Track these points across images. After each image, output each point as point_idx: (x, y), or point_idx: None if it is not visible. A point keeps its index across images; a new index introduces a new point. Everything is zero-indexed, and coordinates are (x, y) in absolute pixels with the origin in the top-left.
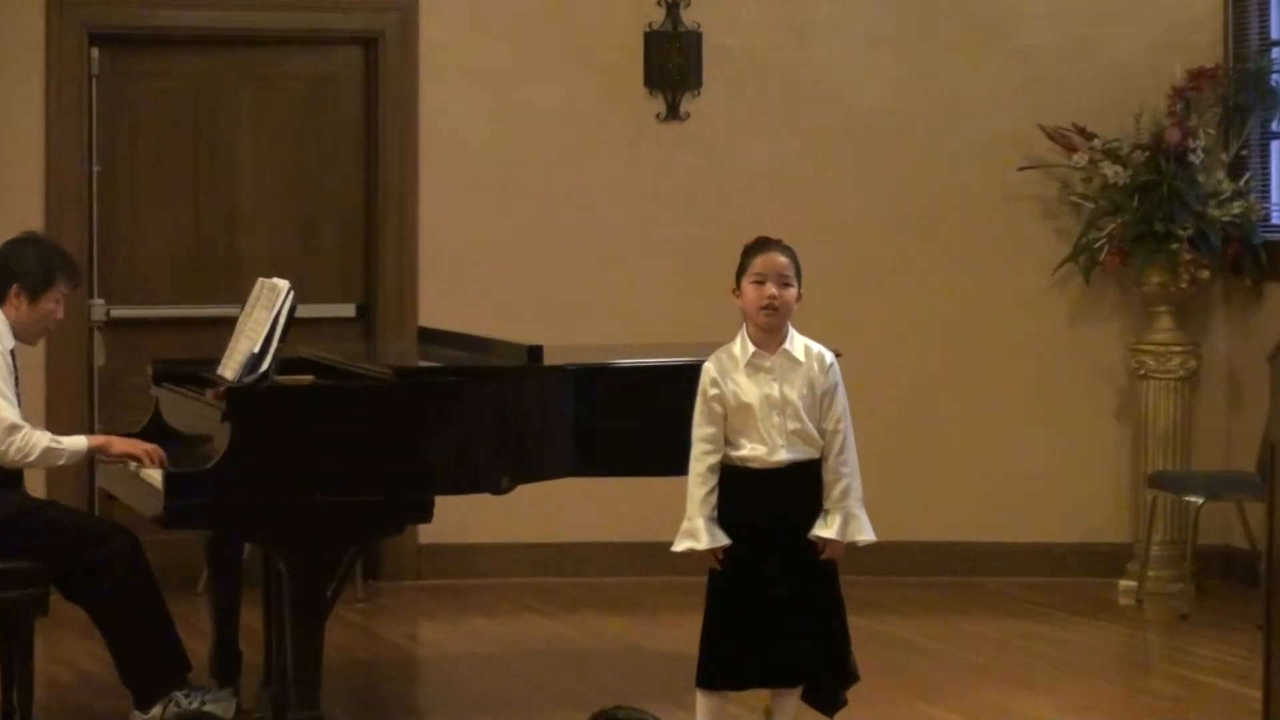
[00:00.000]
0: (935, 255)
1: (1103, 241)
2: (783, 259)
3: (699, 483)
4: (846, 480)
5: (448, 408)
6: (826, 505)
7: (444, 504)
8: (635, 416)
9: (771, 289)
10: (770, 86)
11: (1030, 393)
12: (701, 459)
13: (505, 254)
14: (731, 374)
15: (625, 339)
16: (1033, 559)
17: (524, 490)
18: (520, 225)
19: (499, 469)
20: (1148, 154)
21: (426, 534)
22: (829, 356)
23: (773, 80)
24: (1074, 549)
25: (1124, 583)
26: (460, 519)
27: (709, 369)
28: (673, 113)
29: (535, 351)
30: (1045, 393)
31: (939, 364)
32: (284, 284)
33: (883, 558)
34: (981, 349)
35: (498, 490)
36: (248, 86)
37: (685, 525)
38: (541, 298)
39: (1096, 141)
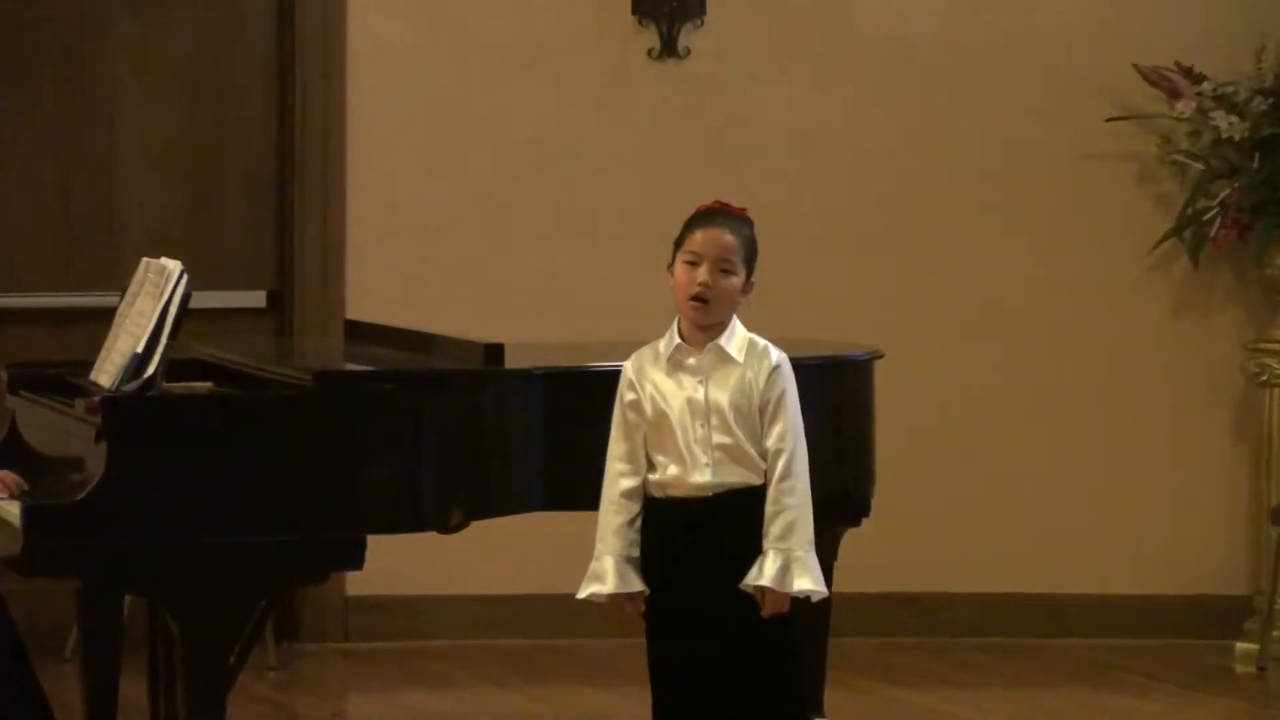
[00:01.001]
0: (999, 231)
1: (1214, 212)
2: (729, 238)
3: (611, 511)
4: (790, 514)
5: (383, 423)
6: (765, 545)
7: (378, 545)
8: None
9: (704, 274)
10: (791, 16)
11: (1121, 405)
12: (615, 482)
13: (455, 228)
14: (650, 373)
15: (609, 335)
16: (1126, 616)
17: (479, 528)
18: (475, 191)
19: (448, 501)
20: (1271, 101)
21: (356, 584)
22: (775, 356)
23: (795, 8)
24: (1178, 603)
25: (1242, 645)
26: (399, 565)
27: (626, 369)
28: (668, 49)
29: (494, 351)
30: (1140, 405)
31: (1004, 369)
32: (174, 266)
33: (933, 614)
34: (1058, 350)
35: (446, 528)
36: (130, 16)
37: (592, 565)
38: (502, 283)
39: (1206, 85)
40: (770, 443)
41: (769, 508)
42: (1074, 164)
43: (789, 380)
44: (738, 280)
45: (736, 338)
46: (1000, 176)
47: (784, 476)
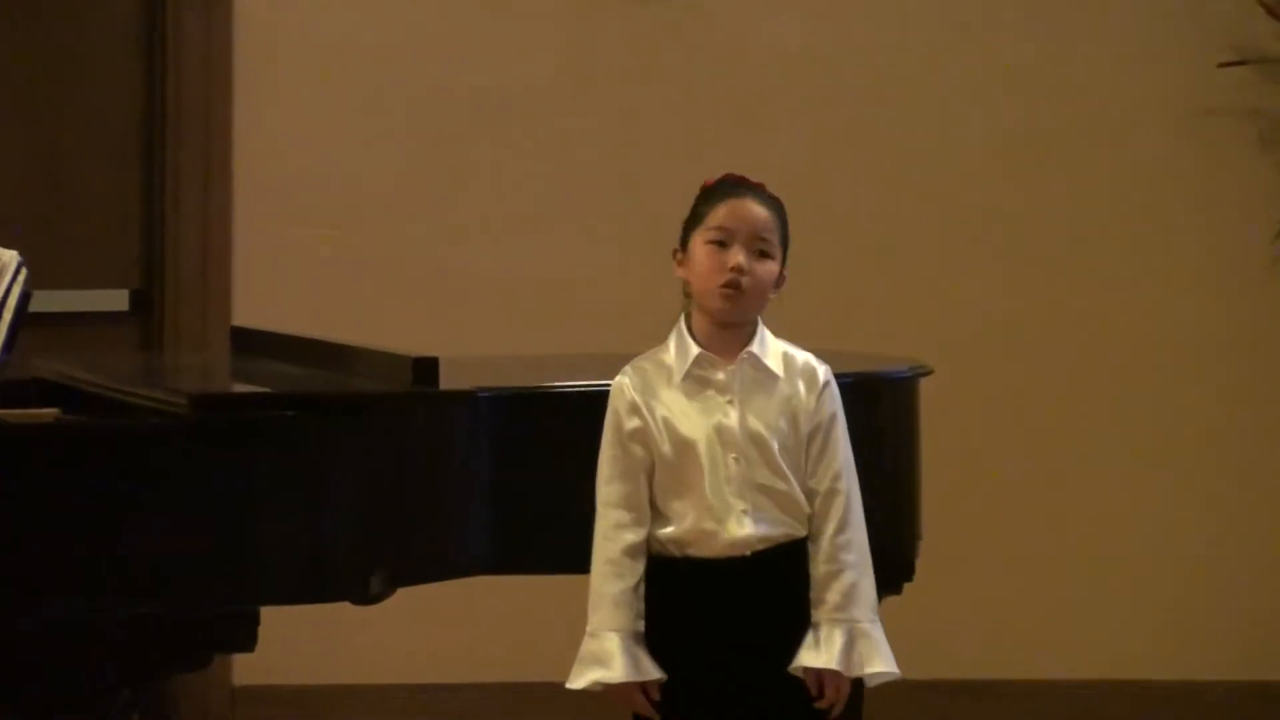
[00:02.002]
0: (1079, 209)
1: None
2: (762, 211)
3: (610, 575)
4: (851, 574)
5: (280, 462)
6: (818, 616)
7: (275, 621)
8: (588, 474)
9: (739, 256)
10: None
11: (1240, 441)
12: (614, 536)
13: (377, 209)
14: (660, 392)
15: (579, 344)
16: (1247, 706)
17: (407, 598)
18: (402, 162)
19: (366, 563)
20: None
21: (247, 670)
22: (824, 371)
23: None
24: None
25: None
26: (302, 646)
27: (623, 386)
28: None
29: (427, 367)
30: (1265, 438)
31: (1083, 389)
32: (10, 257)
33: (995, 708)
34: (1155, 365)
35: (364, 598)
36: None
37: (588, 644)
38: (438, 279)
39: None
40: (821, 481)
41: (822, 566)
42: (1178, 123)
43: (839, 401)
44: (774, 265)
45: (770, 345)
46: (1080, 138)
47: (841, 527)
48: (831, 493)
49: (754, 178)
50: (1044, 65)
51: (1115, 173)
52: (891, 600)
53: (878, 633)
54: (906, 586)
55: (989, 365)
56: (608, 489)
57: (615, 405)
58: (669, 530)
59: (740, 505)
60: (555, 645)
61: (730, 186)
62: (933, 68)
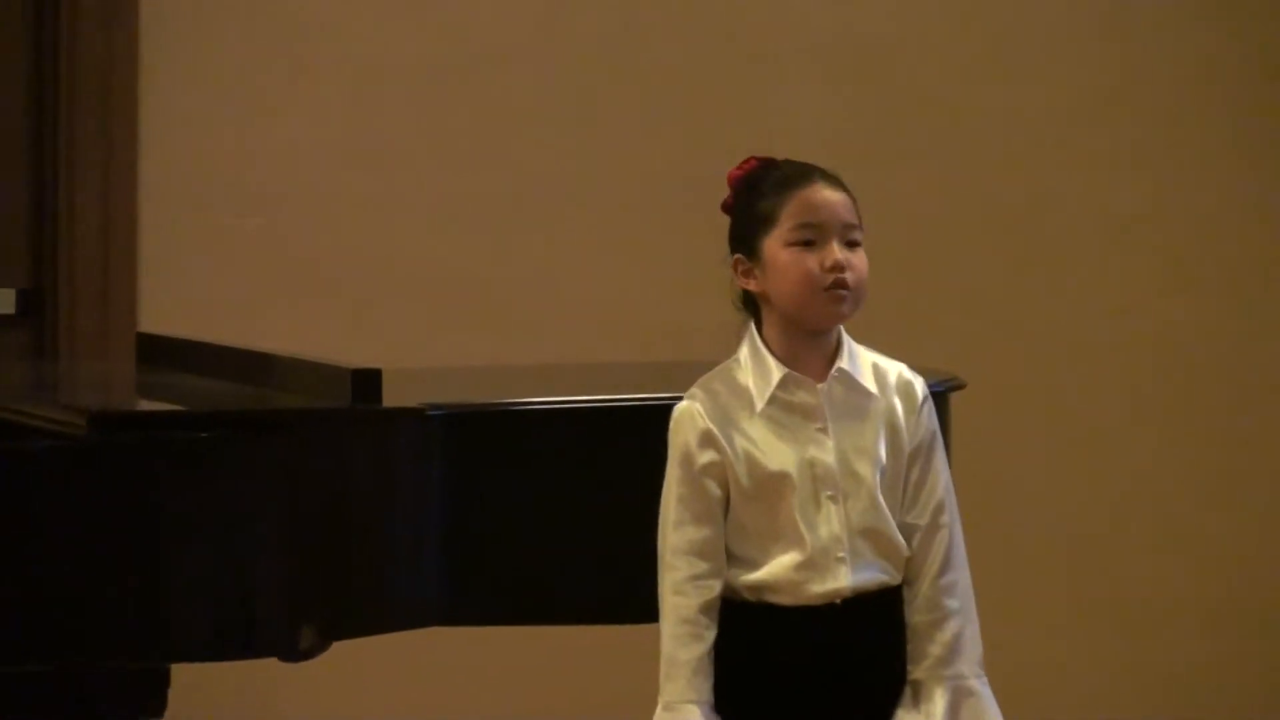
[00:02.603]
0: (1130, 197)
1: None
2: (839, 194)
3: (688, 637)
4: (956, 623)
5: (196, 492)
6: (917, 672)
7: (190, 679)
8: (563, 507)
9: (836, 252)
10: None
11: None
12: (686, 591)
13: (308, 196)
14: (738, 420)
15: (542, 353)
16: None
17: (345, 653)
18: (333, 142)
19: (296, 612)
20: None
21: None
22: (920, 385)
23: None
24: None
25: None
26: (224, 709)
27: (692, 413)
28: None
29: (367, 380)
30: None
31: (1138, 404)
32: None
33: None
34: (1217, 384)
35: (293, 653)
36: None
37: (661, 716)
38: (376, 277)
39: None
40: (922, 515)
41: (922, 614)
42: (1245, 89)
43: (937, 421)
44: (865, 256)
45: (860, 357)
46: (1130, 110)
47: (945, 567)
48: (934, 528)
49: (752, 155)
50: (1091, 22)
51: (1172, 152)
52: None
53: (985, 690)
54: None
55: (1021, 377)
56: (678, 535)
57: (685, 436)
58: (748, 576)
59: (837, 551)
60: (534, 695)
61: (795, 173)
62: (964, 28)
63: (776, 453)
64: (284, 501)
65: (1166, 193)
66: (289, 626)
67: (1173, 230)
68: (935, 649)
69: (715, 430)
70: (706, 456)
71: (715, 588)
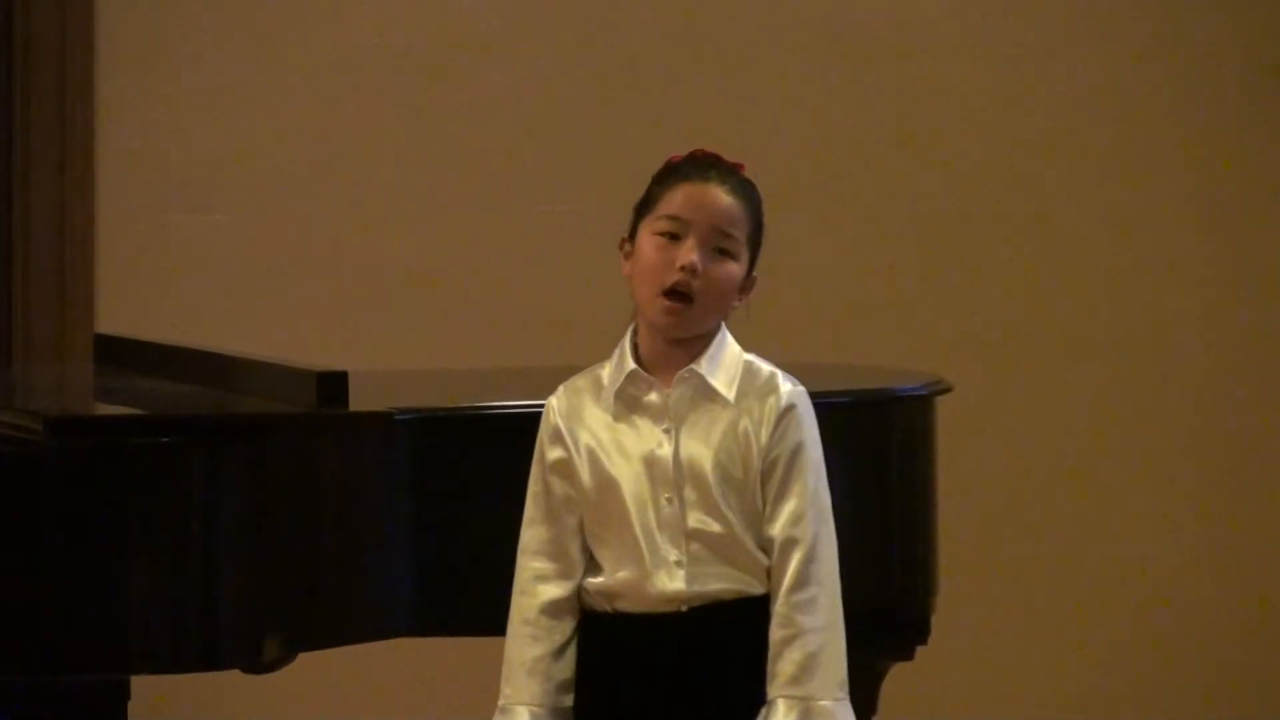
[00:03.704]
0: (1129, 196)
1: None
2: (729, 200)
3: (525, 637)
4: (811, 641)
5: (156, 498)
6: (770, 691)
7: (151, 690)
8: None
9: (690, 254)
10: None
11: None
12: (531, 590)
13: (269, 192)
14: (586, 417)
15: (514, 356)
16: None
17: (311, 664)
18: (301, 135)
19: (259, 623)
20: None
21: None
22: (787, 390)
23: None
24: None
25: None
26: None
27: (549, 408)
28: None
29: (334, 383)
30: None
31: (1137, 410)
32: None
33: None
34: (1225, 386)
35: (256, 665)
36: None
37: (495, 719)
38: (344, 276)
39: None
40: (778, 528)
41: (776, 631)
42: (1245, 87)
43: (809, 428)
44: (737, 268)
45: (725, 361)
46: (1127, 107)
47: (800, 583)
48: (789, 542)
49: (731, 156)
50: (1079, 64)
51: (1174, 146)
52: (902, 666)
53: (843, 712)
54: (920, 650)
55: (1010, 382)
56: (528, 533)
57: (540, 431)
58: (597, 580)
59: (673, 555)
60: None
61: (693, 167)
62: (948, 54)
63: (618, 452)
64: (247, 509)
65: (1164, 191)
66: (253, 638)
67: (1171, 229)
68: (786, 667)
69: (563, 427)
70: (555, 453)
71: (564, 588)
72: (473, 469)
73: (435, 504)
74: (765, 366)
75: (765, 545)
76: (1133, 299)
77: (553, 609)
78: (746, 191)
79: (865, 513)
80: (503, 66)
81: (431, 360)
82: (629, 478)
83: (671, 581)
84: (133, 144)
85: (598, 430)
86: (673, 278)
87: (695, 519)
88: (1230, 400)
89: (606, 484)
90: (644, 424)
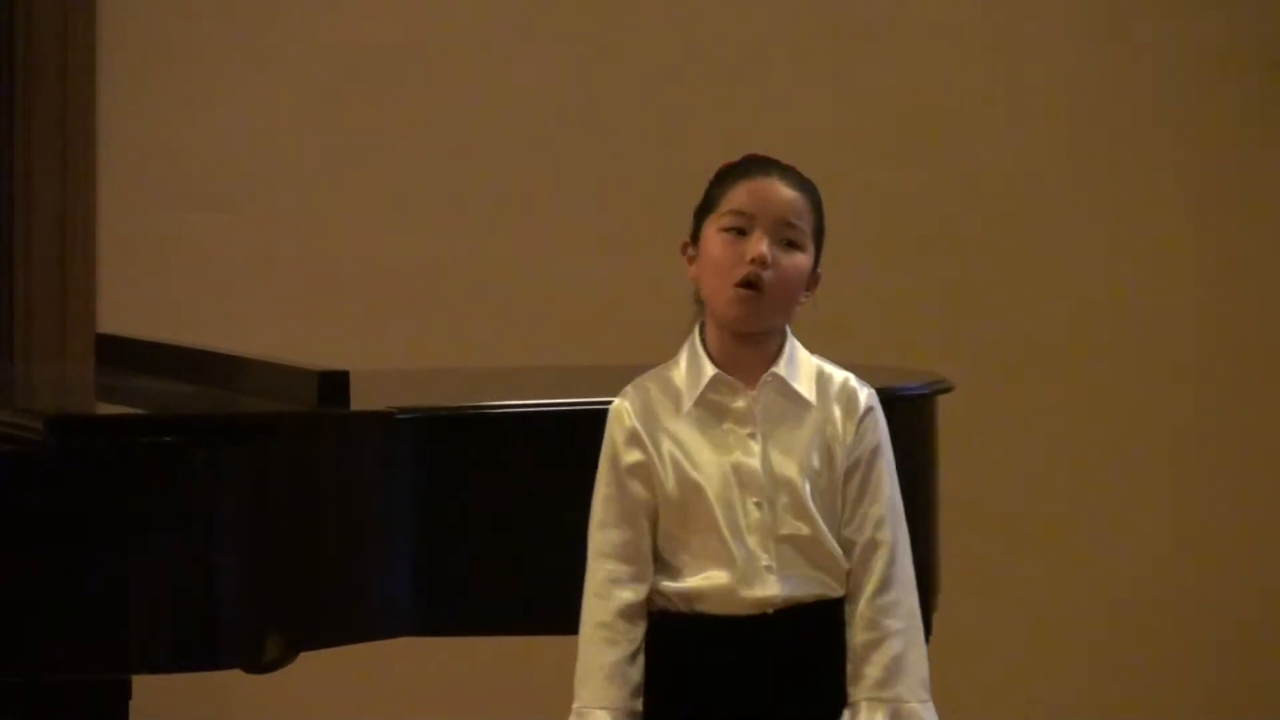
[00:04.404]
0: (1133, 193)
1: None
2: (790, 192)
3: (602, 642)
4: (896, 644)
5: (157, 498)
6: (855, 694)
7: (150, 690)
8: (536, 512)
9: (760, 246)
10: None
11: None
12: (608, 594)
13: (269, 191)
14: (665, 422)
15: (516, 356)
16: None
17: (313, 664)
18: (301, 134)
19: (260, 621)
20: None
21: None
22: (865, 394)
23: None
24: None
25: None
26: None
27: (622, 411)
28: None
29: (334, 382)
30: None
31: (1124, 411)
32: None
33: None
34: (1230, 388)
35: (257, 664)
36: None
37: None
38: (345, 275)
39: None
40: (861, 531)
41: (861, 633)
42: (1242, 84)
43: (885, 431)
44: (805, 259)
45: (801, 364)
46: (1124, 104)
47: (884, 586)
48: (872, 544)
49: (730, 155)
50: (1076, 62)
51: (1177, 144)
52: None
53: (929, 715)
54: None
55: (1010, 381)
56: (601, 536)
57: (612, 434)
58: (676, 585)
59: (763, 560)
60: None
61: (753, 164)
62: (946, 53)
63: (702, 457)
64: (249, 508)
65: (1163, 191)
66: (254, 637)
67: (1170, 228)
68: (874, 670)
69: (641, 430)
70: (632, 456)
71: (638, 592)
72: (474, 469)
73: (436, 503)
74: (837, 370)
75: (844, 547)
76: (1132, 299)
77: (629, 612)
78: (808, 186)
79: None
80: (503, 66)
81: (433, 359)
82: (715, 482)
83: (765, 587)
84: (134, 143)
85: (679, 434)
86: (743, 270)
87: (786, 523)
88: (1229, 399)
89: (692, 489)
90: (728, 428)
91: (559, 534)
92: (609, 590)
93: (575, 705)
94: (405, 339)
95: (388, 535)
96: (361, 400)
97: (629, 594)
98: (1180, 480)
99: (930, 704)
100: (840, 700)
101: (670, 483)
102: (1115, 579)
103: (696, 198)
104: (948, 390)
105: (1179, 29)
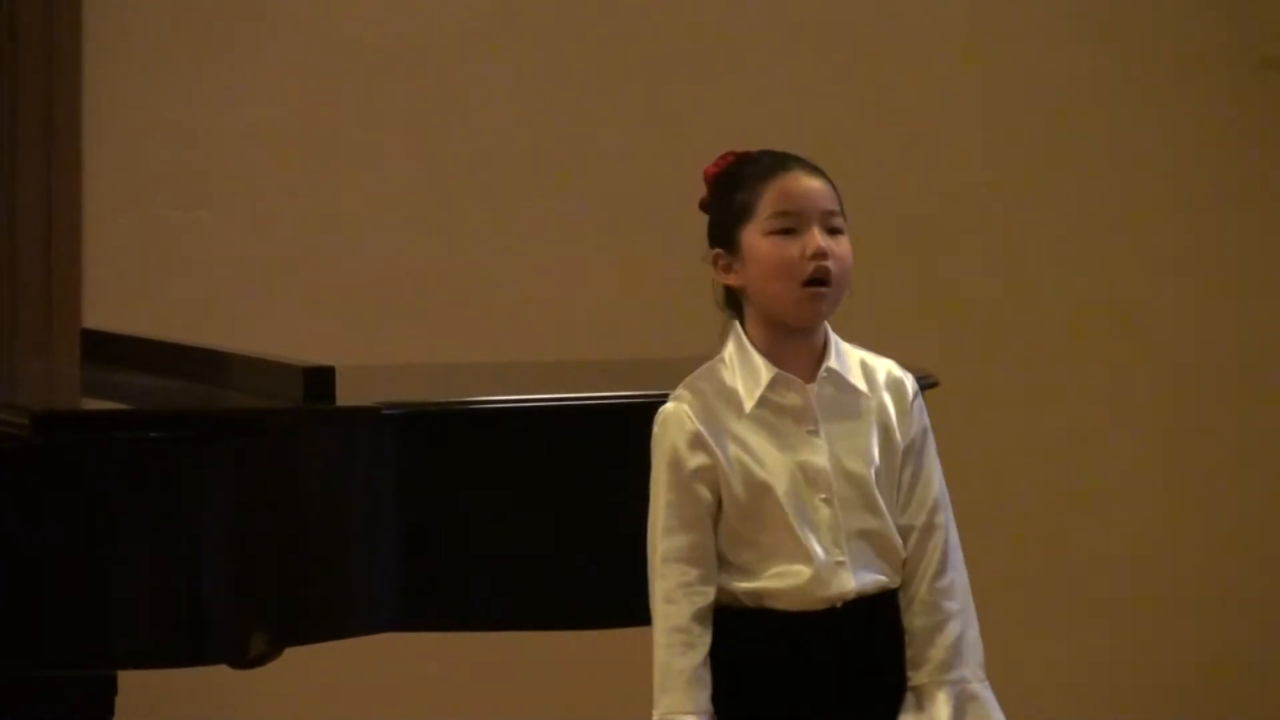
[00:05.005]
0: (1123, 190)
1: None
2: (819, 181)
3: (682, 646)
4: (956, 625)
5: (143, 494)
6: (918, 677)
7: (138, 686)
8: (523, 509)
9: (816, 240)
10: None
11: None
12: (677, 599)
13: (255, 188)
14: (727, 423)
15: (501, 352)
16: None
17: (299, 660)
18: (287, 131)
19: (246, 618)
20: None
21: None
22: (910, 381)
23: None
24: None
25: None
26: (171, 716)
27: (680, 415)
28: None
29: (321, 378)
30: None
31: (1108, 403)
32: None
33: None
34: (1224, 385)
35: (243, 659)
36: None
37: None
38: (330, 270)
39: None
40: (918, 515)
41: (921, 618)
42: (1238, 81)
43: (928, 417)
44: (850, 244)
45: (847, 355)
46: (1120, 102)
47: (943, 569)
48: (929, 528)
49: (742, 145)
50: (1068, 54)
51: (1168, 140)
52: None
53: (988, 694)
54: None
55: (996, 374)
56: (669, 542)
57: (672, 439)
58: (746, 584)
59: (837, 555)
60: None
61: (772, 162)
62: (942, 49)
63: (769, 458)
64: (234, 504)
65: (1154, 186)
66: (240, 633)
67: (1161, 223)
68: (937, 653)
69: (705, 433)
70: (697, 460)
71: (708, 594)
72: (461, 464)
73: (423, 499)
74: (875, 357)
75: (903, 533)
76: (1122, 294)
77: (701, 615)
78: (823, 172)
79: None
80: (493, 64)
81: (419, 355)
82: (784, 482)
83: (841, 584)
84: (120, 140)
85: (743, 436)
86: (809, 267)
87: (856, 517)
88: (1221, 394)
89: (760, 490)
90: (788, 426)
91: (546, 529)
92: (681, 595)
93: (658, 712)
94: (391, 335)
95: (373, 531)
96: (347, 396)
97: (700, 598)
98: (1174, 478)
99: (988, 683)
100: (900, 686)
101: (738, 485)
102: (1108, 577)
103: (690, 196)
104: (933, 386)
105: (1173, 27)
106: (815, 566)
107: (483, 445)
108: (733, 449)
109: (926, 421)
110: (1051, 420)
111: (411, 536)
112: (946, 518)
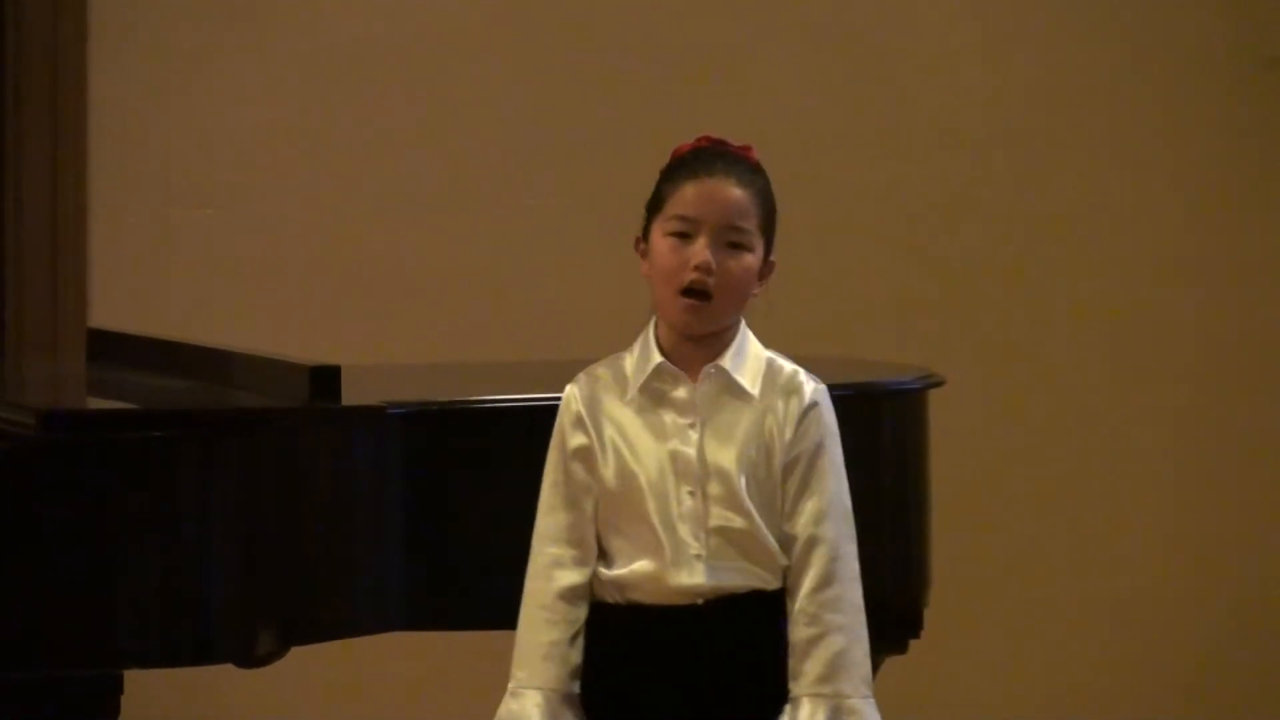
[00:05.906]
0: (1127, 188)
1: None
2: (738, 192)
3: (541, 622)
4: (838, 639)
5: (149, 493)
6: (796, 689)
7: (143, 686)
8: (527, 508)
9: (703, 252)
10: None
11: None
12: (547, 576)
13: (261, 186)
14: (609, 408)
15: (507, 350)
16: None
17: (306, 658)
18: (292, 128)
19: (252, 616)
20: None
21: None
22: (811, 388)
23: None
24: None
25: None
26: (177, 715)
27: (570, 397)
28: None
29: (327, 377)
30: None
31: (1118, 404)
32: None
33: None
34: (1225, 383)
35: (250, 659)
36: None
37: (507, 704)
38: (336, 269)
39: None
40: (801, 526)
41: (800, 629)
42: (1237, 79)
43: (830, 427)
44: (752, 259)
45: (749, 357)
46: (1120, 100)
47: (825, 581)
48: (812, 540)
49: (737, 138)
50: (1072, 53)
51: (1170, 138)
52: (895, 660)
53: (870, 711)
54: (913, 644)
55: (1003, 375)
56: (547, 520)
57: (560, 419)
58: (611, 571)
59: (694, 549)
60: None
61: (699, 161)
62: (943, 48)
63: (642, 446)
64: (240, 503)
65: (1157, 186)
66: (246, 632)
67: (1165, 223)
68: (814, 666)
69: (585, 415)
70: (576, 440)
71: (579, 575)
72: (465, 463)
73: (428, 498)
74: (787, 364)
75: (784, 542)
76: (1125, 294)
77: (569, 594)
78: (754, 179)
79: (857, 506)
80: (495, 62)
81: (425, 355)
82: (651, 470)
83: (692, 575)
84: (126, 139)
85: (621, 421)
86: (688, 277)
87: (718, 514)
88: (1224, 395)
89: (628, 476)
90: (668, 417)
91: None
92: (549, 572)
93: (510, 685)
94: (397, 333)
95: (379, 529)
96: (353, 395)
97: (571, 577)
98: (1176, 478)
99: (872, 700)
100: (782, 697)
101: (609, 468)
102: (1110, 577)
103: None
104: (939, 384)
105: (1177, 26)
106: (666, 556)
107: (488, 443)
108: (609, 432)
109: (823, 435)
110: (1053, 420)
111: (416, 535)
112: (838, 532)
